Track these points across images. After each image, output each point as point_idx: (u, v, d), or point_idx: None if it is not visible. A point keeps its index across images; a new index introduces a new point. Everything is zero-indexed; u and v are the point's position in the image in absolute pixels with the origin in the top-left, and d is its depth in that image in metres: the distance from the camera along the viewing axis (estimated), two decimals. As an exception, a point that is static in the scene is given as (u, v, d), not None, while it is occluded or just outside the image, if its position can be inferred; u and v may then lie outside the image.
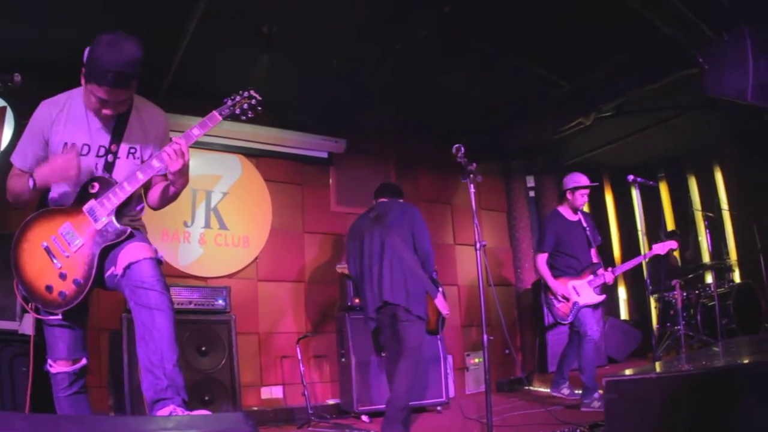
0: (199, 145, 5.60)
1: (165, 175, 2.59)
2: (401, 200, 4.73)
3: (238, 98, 2.66)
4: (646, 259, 5.13)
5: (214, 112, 2.61)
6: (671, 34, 4.53)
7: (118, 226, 2.49)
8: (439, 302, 4.43)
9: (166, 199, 2.69)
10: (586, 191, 5.27)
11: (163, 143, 2.70)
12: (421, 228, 4.41)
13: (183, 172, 2.51)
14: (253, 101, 2.68)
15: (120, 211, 2.54)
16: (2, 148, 4.58)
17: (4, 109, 4.64)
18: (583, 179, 5.25)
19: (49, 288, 2.41)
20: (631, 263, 5.24)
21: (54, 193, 2.60)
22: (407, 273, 4.28)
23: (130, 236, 2.50)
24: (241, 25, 4.52)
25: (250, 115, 2.68)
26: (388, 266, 4.32)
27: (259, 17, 4.45)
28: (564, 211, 5.33)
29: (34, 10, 4.14)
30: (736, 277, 7.28)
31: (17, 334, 3.62)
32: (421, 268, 4.31)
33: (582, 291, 5.05)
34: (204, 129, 2.56)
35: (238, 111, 2.65)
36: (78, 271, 2.43)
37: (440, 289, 4.48)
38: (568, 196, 5.28)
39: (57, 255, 2.43)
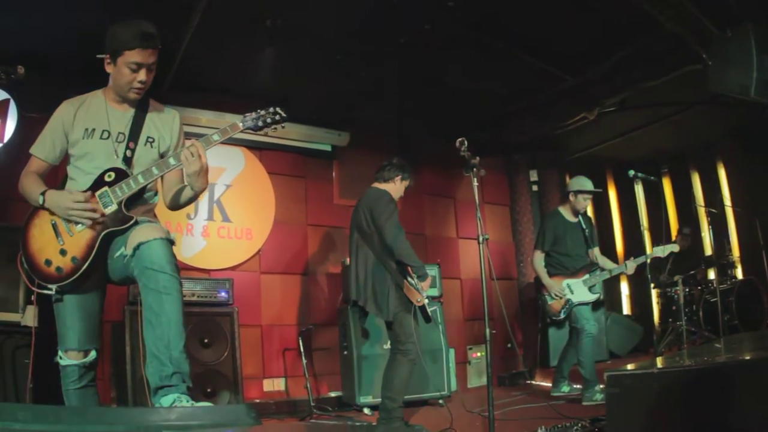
0: (202, 138, 5.60)
1: (182, 178, 2.67)
2: (376, 184, 4.49)
3: (262, 112, 2.70)
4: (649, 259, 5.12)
5: (236, 121, 2.67)
6: (675, 30, 4.52)
7: (125, 213, 2.54)
8: (407, 291, 4.14)
9: (184, 200, 2.74)
10: (589, 196, 5.28)
11: (179, 140, 2.82)
12: (381, 216, 4.17)
13: (201, 174, 2.55)
14: (278, 117, 2.72)
15: (132, 202, 2.61)
16: (6, 141, 4.58)
17: (7, 101, 4.64)
18: (587, 183, 5.23)
19: (47, 262, 2.49)
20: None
21: (74, 180, 2.67)
22: (371, 270, 4.19)
23: (135, 224, 2.54)
24: (245, 19, 4.51)
25: (273, 129, 2.72)
26: (356, 263, 4.29)
27: (262, 10, 4.45)
28: (564, 211, 5.36)
29: (38, 3, 4.13)
30: (739, 273, 7.26)
31: (20, 326, 3.64)
32: (390, 258, 4.14)
33: (576, 289, 5.12)
34: (224, 136, 2.63)
35: (260, 124, 2.69)
36: (78, 250, 2.49)
37: (419, 273, 4.17)
38: (571, 198, 5.29)
39: (62, 233, 2.51)
